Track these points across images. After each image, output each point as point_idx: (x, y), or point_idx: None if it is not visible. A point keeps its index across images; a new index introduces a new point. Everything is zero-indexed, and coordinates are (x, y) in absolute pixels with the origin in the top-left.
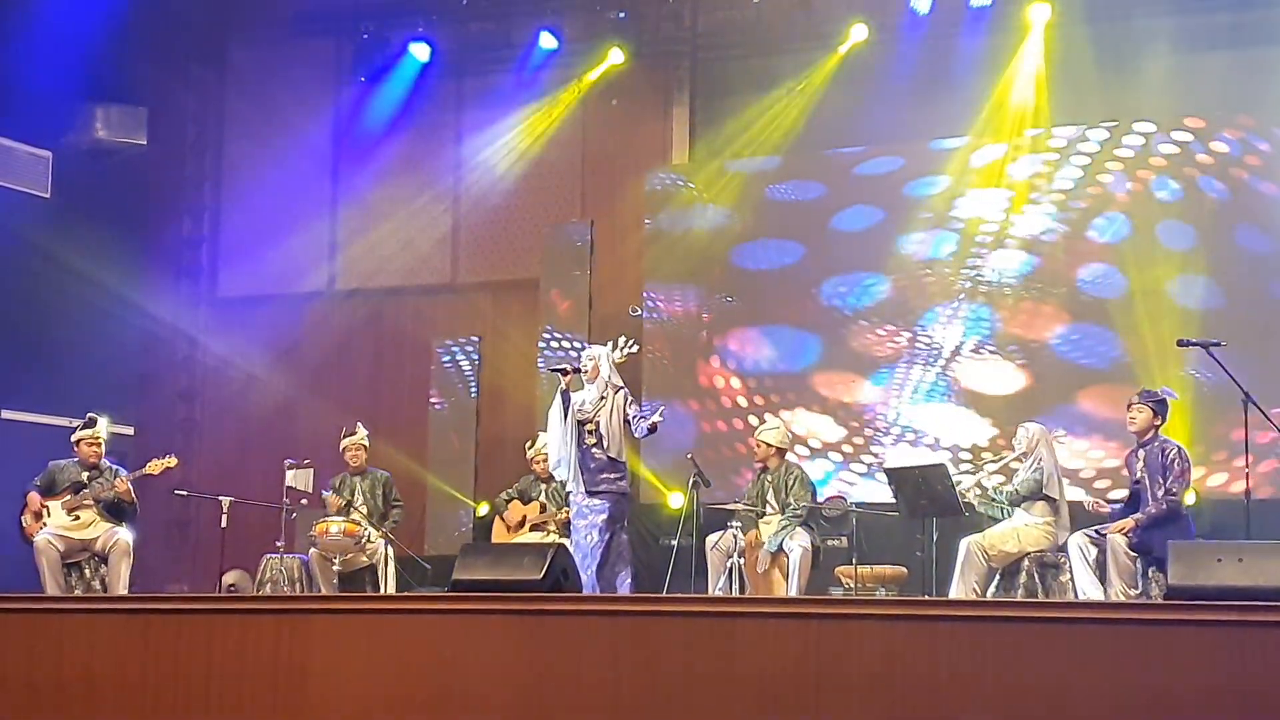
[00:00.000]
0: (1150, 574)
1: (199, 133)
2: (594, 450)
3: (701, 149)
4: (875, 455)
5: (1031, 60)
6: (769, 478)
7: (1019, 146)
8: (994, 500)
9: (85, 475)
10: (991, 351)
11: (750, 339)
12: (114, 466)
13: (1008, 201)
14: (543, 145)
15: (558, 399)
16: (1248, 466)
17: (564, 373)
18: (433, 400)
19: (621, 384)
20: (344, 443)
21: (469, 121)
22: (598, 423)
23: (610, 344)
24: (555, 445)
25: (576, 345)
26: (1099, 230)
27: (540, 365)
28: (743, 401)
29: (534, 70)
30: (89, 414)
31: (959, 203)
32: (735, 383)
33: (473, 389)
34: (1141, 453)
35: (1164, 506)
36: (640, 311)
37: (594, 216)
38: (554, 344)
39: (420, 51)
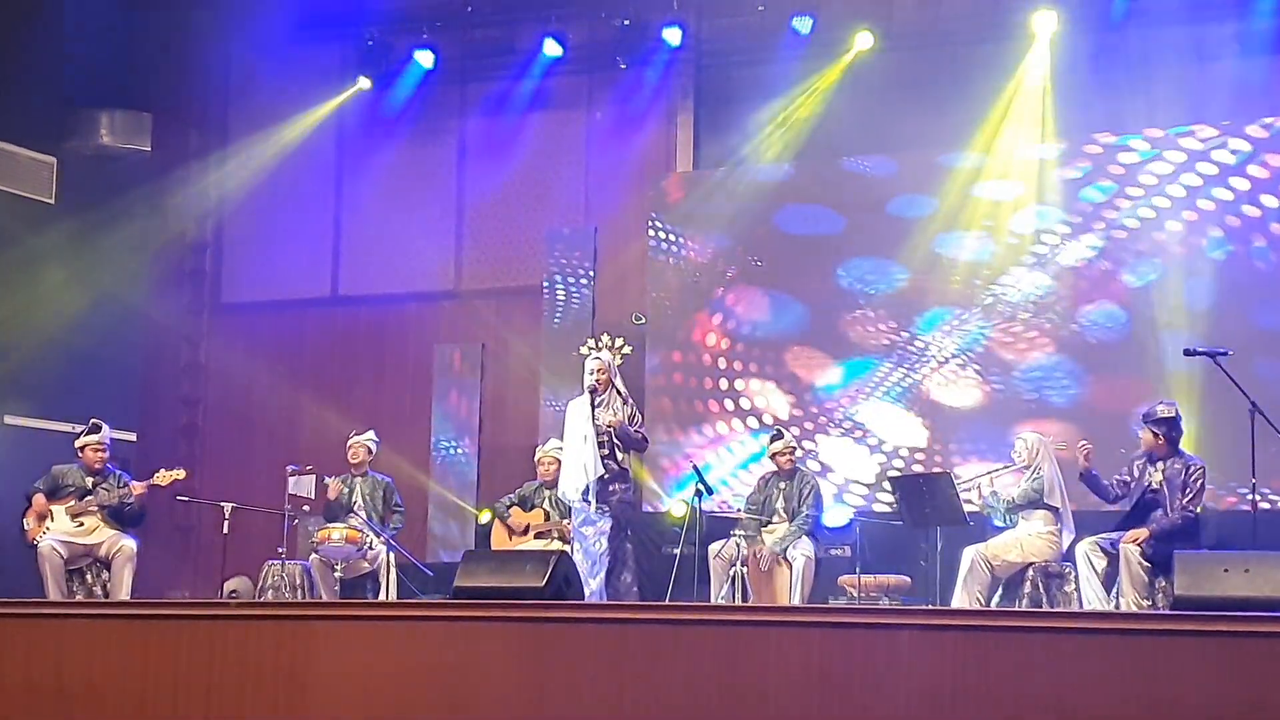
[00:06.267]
0: (1157, 584)
1: (203, 138)
2: (607, 460)
3: (706, 156)
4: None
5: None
6: (781, 486)
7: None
8: (993, 507)
9: (90, 481)
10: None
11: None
12: (119, 474)
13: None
14: (546, 152)
15: (584, 412)
16: (1254, 477)
17: (595, 390)
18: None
19: (629, 397)
20: (350, 440)
21: (472, 128)
22: (610, 432)
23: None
24: (579, 468)
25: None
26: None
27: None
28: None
29: (538, 77)
30: (92, 420)
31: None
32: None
33: (475, 396)
34: (1161, 464)
35: (1179, 521)
36: (644, 320)
37: (597, 224)
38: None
39: (424, 58)
